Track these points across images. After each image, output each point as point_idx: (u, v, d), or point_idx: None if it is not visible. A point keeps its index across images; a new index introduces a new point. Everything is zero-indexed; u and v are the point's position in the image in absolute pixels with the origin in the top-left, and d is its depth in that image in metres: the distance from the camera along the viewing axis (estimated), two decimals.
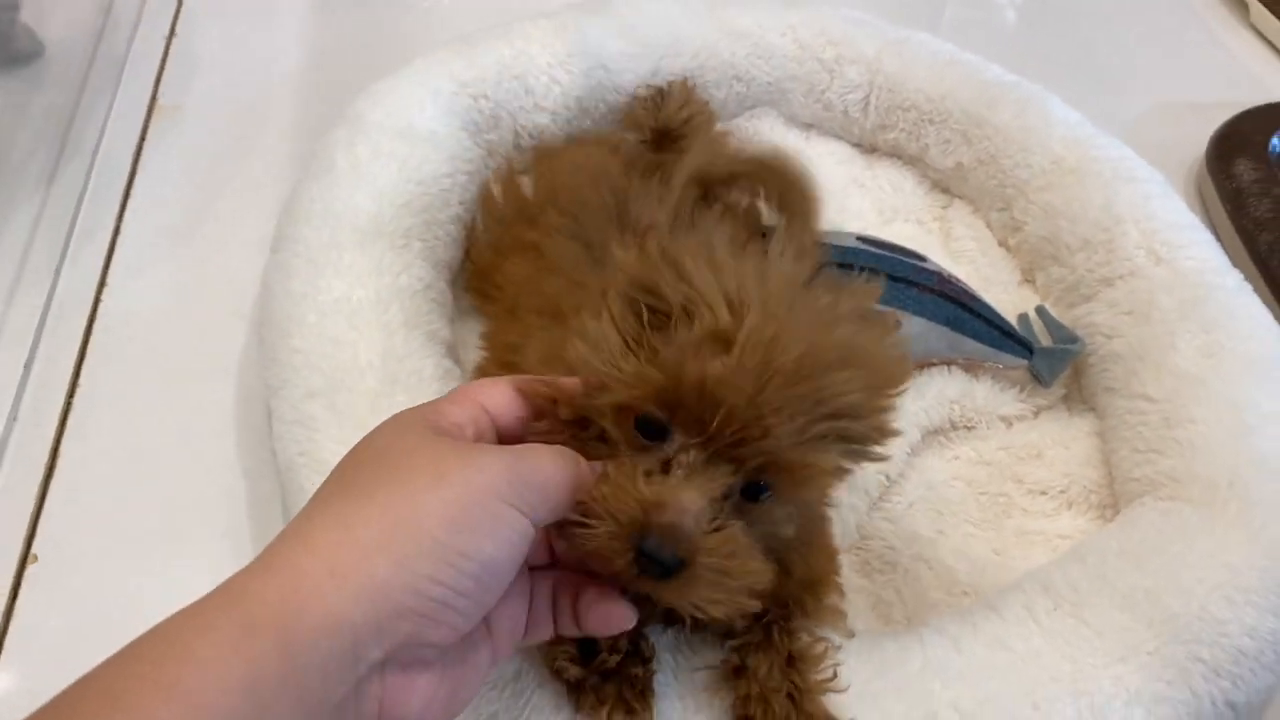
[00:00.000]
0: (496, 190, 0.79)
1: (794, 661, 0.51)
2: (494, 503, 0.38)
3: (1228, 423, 0.66)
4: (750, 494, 0.42)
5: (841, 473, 0.43)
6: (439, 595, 0.36)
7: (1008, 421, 0.76)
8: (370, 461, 0.40)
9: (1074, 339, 0.76)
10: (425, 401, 0.44)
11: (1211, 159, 0.95)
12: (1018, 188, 0.84)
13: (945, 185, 0.91)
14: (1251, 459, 0.64)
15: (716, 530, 0.41)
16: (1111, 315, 0.76)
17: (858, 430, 0.42)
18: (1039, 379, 0.76)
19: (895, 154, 0.93)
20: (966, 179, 0.88)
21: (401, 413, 0.43)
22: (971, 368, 0.75)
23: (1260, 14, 1.16)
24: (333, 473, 0.40)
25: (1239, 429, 0.66)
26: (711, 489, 0.41)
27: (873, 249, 0.77)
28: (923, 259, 0.78)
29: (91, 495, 0.69)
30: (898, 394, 0.44)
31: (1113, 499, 0.71)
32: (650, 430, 0.42)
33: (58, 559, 0.66)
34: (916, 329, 0.74)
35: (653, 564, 0.40)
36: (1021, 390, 0.77)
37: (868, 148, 0.94)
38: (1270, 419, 0.66)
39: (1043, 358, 0.75)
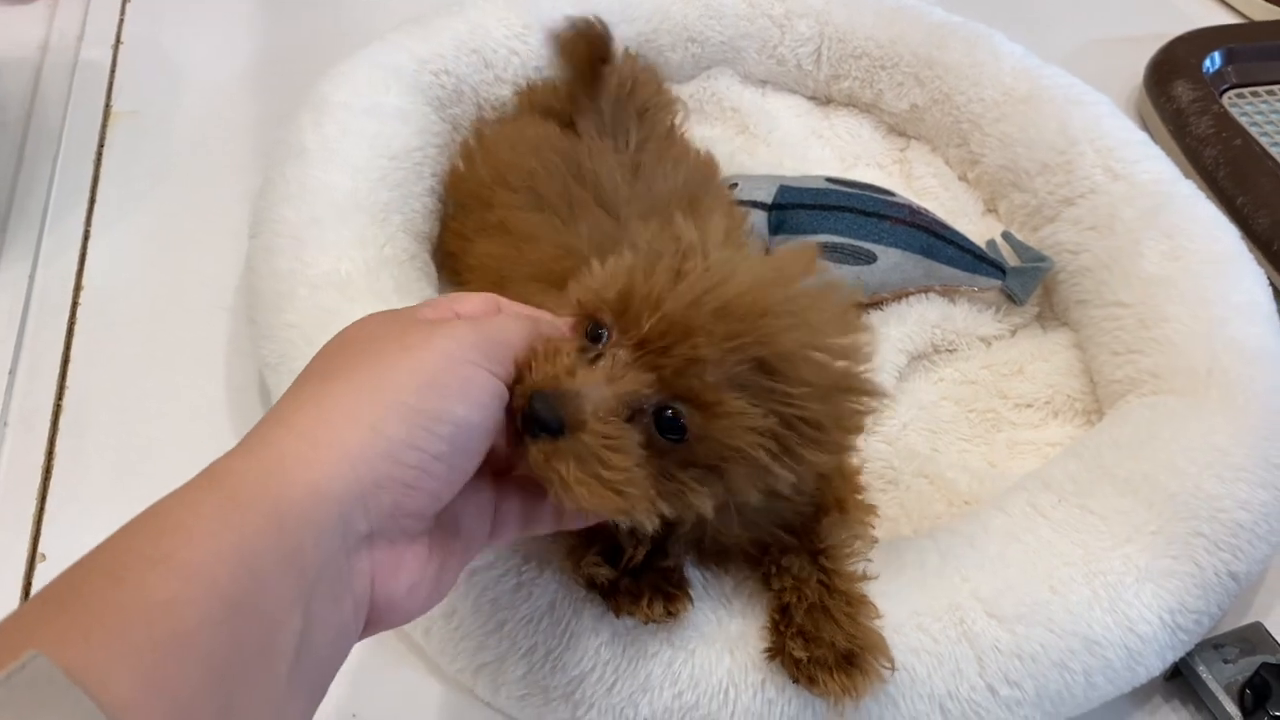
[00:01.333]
0: (460, 166, 0.80)
1: (824, 552, 0.53)
2: (462, 365, 0.39)
3: (1201, 316, 0.69)
4: (664, 427, 0.42)
5: (761, 446, 0.42)
6: (415, 460, 0.37)
7: (987, 341, 0.78)
8: (339, 350, 0.41)
9: (1042, 257, 0.79)
10: None
11: (1150, 83, 0.98)
12: (973, 122, 0.87)
13: (901, 128, 0.94)
14: (1227, 346, 0.67)
15: (608, 419, 0.42)
16: (1076, 232, 0.79)
17: (784, 400, 0.42)
18: (1013, 298, 0.78)
19: (850, 102, 0.96)
20: (922, 119, 0.91)
21: (371, 313, 0.44)
22: (948, 293, 0.78)
23: None
24: (304, 369, 0.41)
25: (1212, 321, 0.69)
26: (623, 384, 0.42)
27: (843, 188, 0.79)
28: (891, 194, 0.80)
29: (93, 491, 0.69)
30: (843, 367, 0.44)
31: (1096, 404, 0.74)
32: (595, 334, 0.44)
33: (66, 555, 0.65)
34: (893, 259, 0.76)
35: (535, 421, 0.41)
36: (997, 311, 0.79)
37: (823, 99, 0.97)
38: (1240, 309, 0.69)
39: (1015, 277, 0.78)
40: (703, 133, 0.90)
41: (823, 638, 0.50)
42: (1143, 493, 0.60)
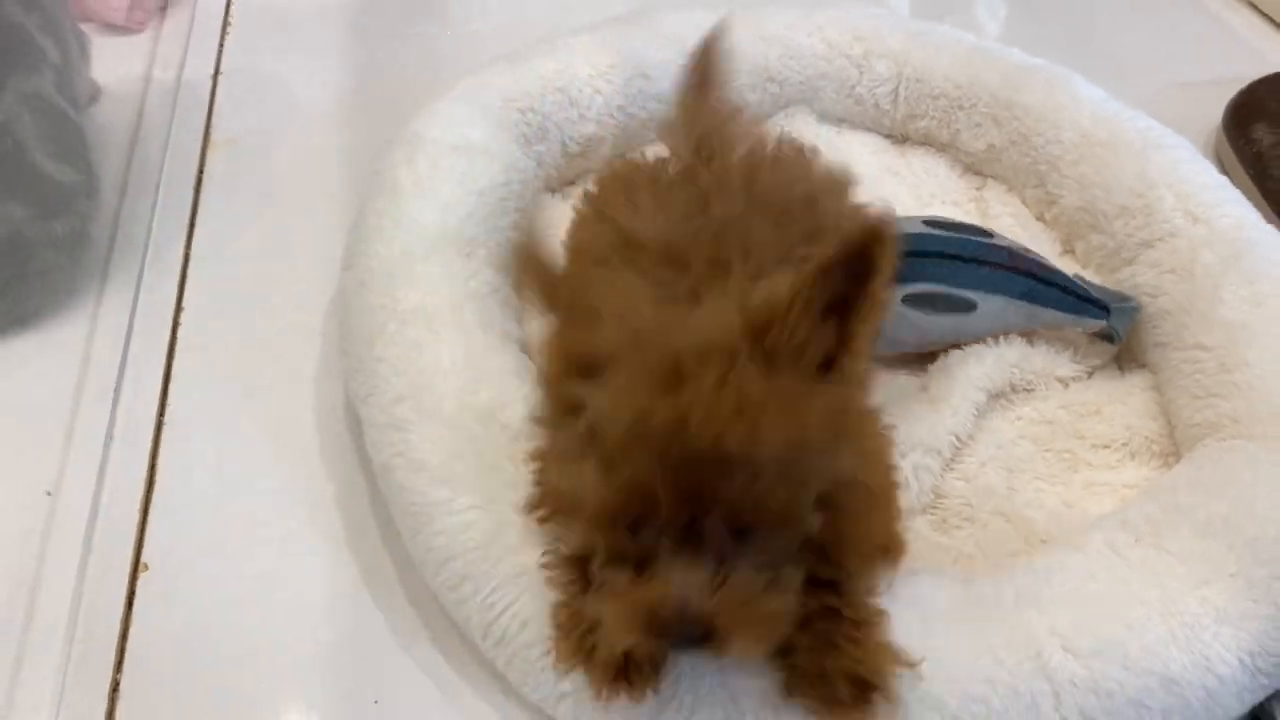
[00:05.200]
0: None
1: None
2: None
3: None
4: (739, 536, 0.44)
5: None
6: None
7: (1064, 382, 0.78)
8: None
9: (1126, 297, 0.79)
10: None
11: (1229, 126, 0.98)
12: (1051, 163, 0.87)
13: (978, 168, 0.95)
14: None
15: (722, 585, 0.44)
16: (1155, 275, 0.79)
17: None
18: (1114, 337, 0.78)
19: (926, 141, 0.97)
20: (999, 159, 0.92)
21: None
22: (1027, 333, 0.78)
23: None
24: None
25: None
26: (697, 559, 0.44)
27: (941, 232, 0.79)
28: (990, 235, 0.81)
29: (191, 505, 0.72)
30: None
31: (1173, 447, 0.74)
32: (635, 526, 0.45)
33: (166, 566, 0.69)
34: (994, 307, 0.76)
35: (686, 645, 0.45)
36: (1076, 352, 0.79)
37: (899, 137, 0.98)
38: None
39: (1117, 316, 0.78)
40: None
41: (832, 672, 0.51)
42: (1221, 535, 0.60)
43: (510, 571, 0.59)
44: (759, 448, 0.42)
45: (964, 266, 0.77)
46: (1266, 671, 0.57)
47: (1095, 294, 0.79)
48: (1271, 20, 1.20)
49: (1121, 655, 0.55)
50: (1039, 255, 0.81)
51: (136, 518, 0.71)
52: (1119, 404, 0.77)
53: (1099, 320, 0.78)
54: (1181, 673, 0.55)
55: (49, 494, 0.72)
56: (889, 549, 0.55)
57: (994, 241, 0.80)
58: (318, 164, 0.96)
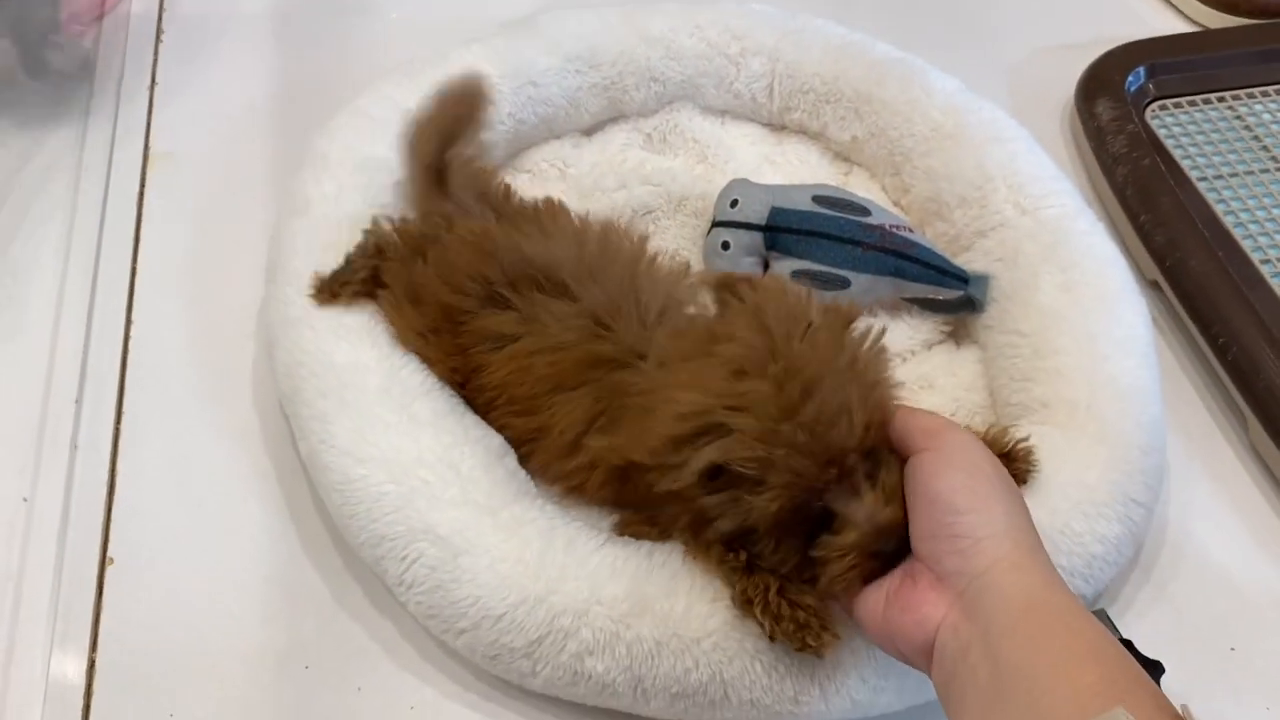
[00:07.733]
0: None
1: None
2: None
3: (1086, 351, 0.80)
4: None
5: None
6: None
7: (903, 357, 0.89)
8: None
9: (980, 274, 0.89)
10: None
11: (1079, 99, 1.07)
12: (904, 155, 0.97)
13: (845, 155, 1.04)
14: (1105, 383, 0.78)
15: None
16: (987, 262, 0.89)
17: None
18: (975, 304, 0.88)
19: (800, 131, 1.05)
20: (862, 150, 1.01)
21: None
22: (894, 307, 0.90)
23: None
24: None
25: (1095, 356, 0.79)
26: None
27: (825, 210, 0.89)
28: (868, 212, 0.90)
29: (150, 502, 0.82)
30: None
31: (996, 418, 0.84)
32: None
33: (130, 559, 0.79)
34: (864, 284, 0.87)
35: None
36: (913, 331, 0.90)
37: (776, 127, 1.07)
38: (1120, 344, 0.80)
39: (975, 284, 0.88)
40: (665, 163, 1.01)
41: None
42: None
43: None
44: None
45: (840, 246, 0.88)
46: None
47: (953, 267, 0.89)
48: None
49: None
50: (908, 230, 0.91)
51: (101, 516, 0.81)
52: (950, 376, 0.88)
53: (958, 290, 0.88)
54: None
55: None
56: None
57: (870, 221, 0.90)
58: (247, 173, 1.04)
